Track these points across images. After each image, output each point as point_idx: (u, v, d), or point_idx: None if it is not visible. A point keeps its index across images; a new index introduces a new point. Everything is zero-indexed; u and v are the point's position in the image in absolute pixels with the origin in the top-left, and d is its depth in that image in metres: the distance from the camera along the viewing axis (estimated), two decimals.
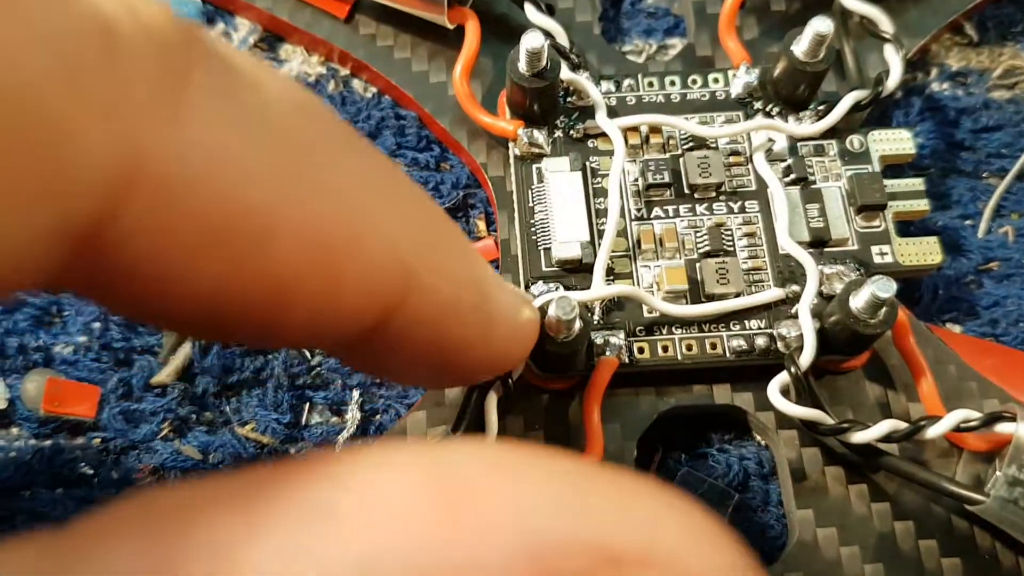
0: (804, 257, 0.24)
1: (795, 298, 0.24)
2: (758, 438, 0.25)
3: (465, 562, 0.09)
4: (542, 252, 0.25)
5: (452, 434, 0.22)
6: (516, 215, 0.25)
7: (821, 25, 0.24)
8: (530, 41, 0.24)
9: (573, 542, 0.09)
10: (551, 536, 0.09)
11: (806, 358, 0.23)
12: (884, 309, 0.22)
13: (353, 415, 0.25)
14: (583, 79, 0.26)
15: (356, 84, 0.29)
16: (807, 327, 0.23)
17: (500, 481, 0.10)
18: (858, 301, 0.22)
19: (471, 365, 0.18)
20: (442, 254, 0.16)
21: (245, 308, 0.13)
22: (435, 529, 0.09)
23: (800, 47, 0.25)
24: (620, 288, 0.24)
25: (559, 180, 0.25)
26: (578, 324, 0.22)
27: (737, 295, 0.24)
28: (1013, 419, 0.22)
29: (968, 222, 0.28)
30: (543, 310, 0.21)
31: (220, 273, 0.12)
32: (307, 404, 0.25)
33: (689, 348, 0.24)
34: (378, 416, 0.25)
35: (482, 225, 0.27)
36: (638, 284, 0.24)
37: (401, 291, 0.14)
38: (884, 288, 0.21)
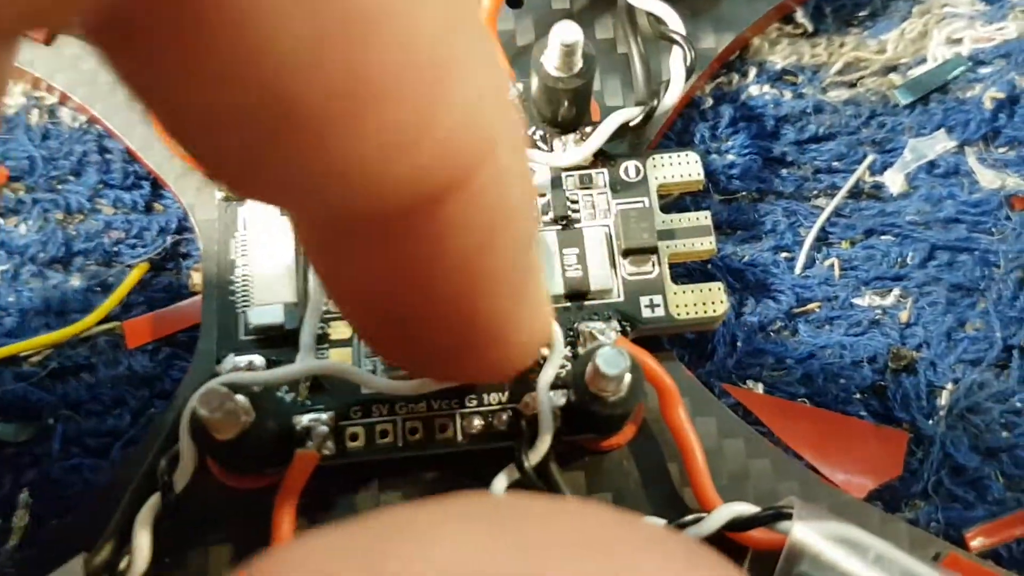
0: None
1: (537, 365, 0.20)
2: None
3: None
4: (240, 316, 0.20)
5: (88, 556, 0.18)
6: (216, 268, 0.21)
7: (566, 33, 0.20)
8: None
9: None
10: None
11: (539, 450, 0.18)
12: (625, 383, 0.17)
13: (19, 522, 0.20)
14: None
15: (64, 113, 0.24)
16: (545, 411, 0.18)
17: None
18: (591, 376, 0.17)
19: (490, 330, 0.15)
20: (519, 141, 0.13)
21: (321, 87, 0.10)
22: None
23: (549, 60, 0.20)
24: (315, 364, 0.19)
25: (265, 227, 0.21)
26: (243, 419, 0.17)
27: None
28: (791, 516, 0.17)
29: (784, 255, 0.23)
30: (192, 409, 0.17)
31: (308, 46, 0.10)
32: None
33: (413, 432, 0.19)
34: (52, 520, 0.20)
35: (197, 278, 0.23)
36: (359, 354, 0.20)
37: (476, 160, 0.12)
38: (612, 362, 0.17)
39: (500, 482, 0.18)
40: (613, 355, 0.17)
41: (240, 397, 0.17)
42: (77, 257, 0.23)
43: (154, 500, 0.18)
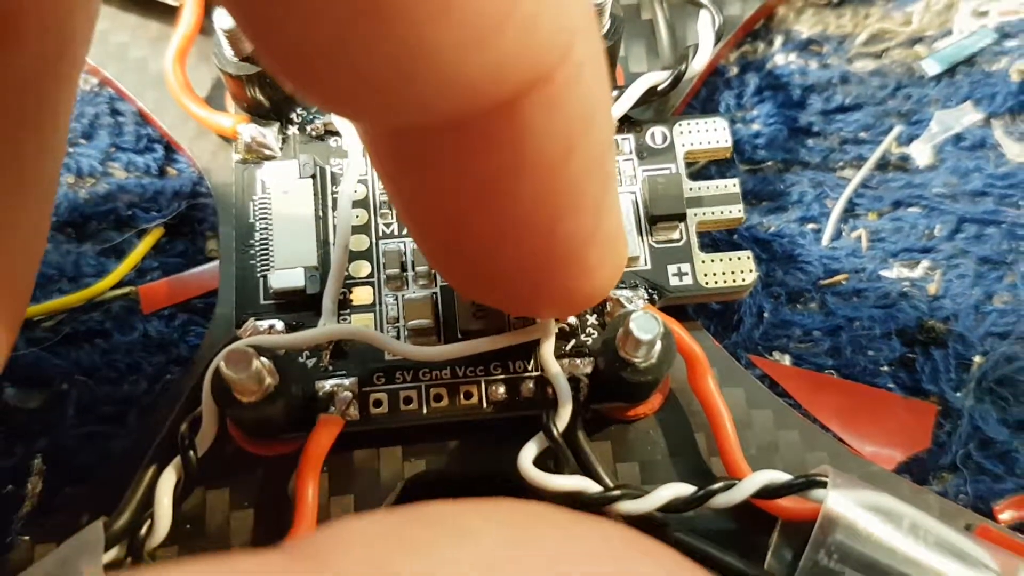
0: None
1: (572, 331, 0.19)
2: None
3: None
4: (260, 280, 0.20)
5: (108, 520, 0.17)
6: (233, 232, 0.20)
7: None
8: (224, 18, 0.19)
9: None
10: None
11: (563, 418, 0.18)
12: (656, 349, 0.17)
13: (34, 488, 0.20)
14: None
15: None
16: (557, 379, 0.18)
17: None
18: (619, 340, 0.17)
19: (570, 252, 0.14)
20: (596, 37, 0.13)
21: None
22: None
23: None
24: (338, 328, 0.19)
25: (284, 189, 0.20)
26: (268, 381, 0.17)
27: (498, 331, 0.19)
28: (825, 484, 0.17)
29: (811, 226, 0.23)
30: (217, 368, 0.17)
31: None
32: None
33: (438, 399, 0.19)
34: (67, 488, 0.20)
35: (213, 245, 0.22)
36: (382, 318, 0.20)
37: (557, 53, 0.11)
38: (645, 327, 0.16)
39: (529, 451, 0.18)
40: (646, 320, 0.17)
41: (264, 359, 0.17)
42: (90, 221, 0.22)
43: (175, 464, 0.17)
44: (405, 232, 0.20)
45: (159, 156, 0.23)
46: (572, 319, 0.19)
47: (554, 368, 0.18)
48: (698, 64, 0.21)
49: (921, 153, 0.24)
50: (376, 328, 0.19)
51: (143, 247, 0.21)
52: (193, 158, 0.22)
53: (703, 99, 0.24)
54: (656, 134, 0.21)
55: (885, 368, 0.21)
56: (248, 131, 0.21)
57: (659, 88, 0.21)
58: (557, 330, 0.19)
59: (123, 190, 0.22)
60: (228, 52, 0.20)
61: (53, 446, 0.20)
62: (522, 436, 0.19)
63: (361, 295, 0.20)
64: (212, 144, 0.22)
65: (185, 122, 0.22)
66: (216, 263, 0.21)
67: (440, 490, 0.19)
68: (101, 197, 0.22)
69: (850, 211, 0.23)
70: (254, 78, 0.20)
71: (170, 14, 0.22)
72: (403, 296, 0.20)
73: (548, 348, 0.18)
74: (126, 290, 0.21)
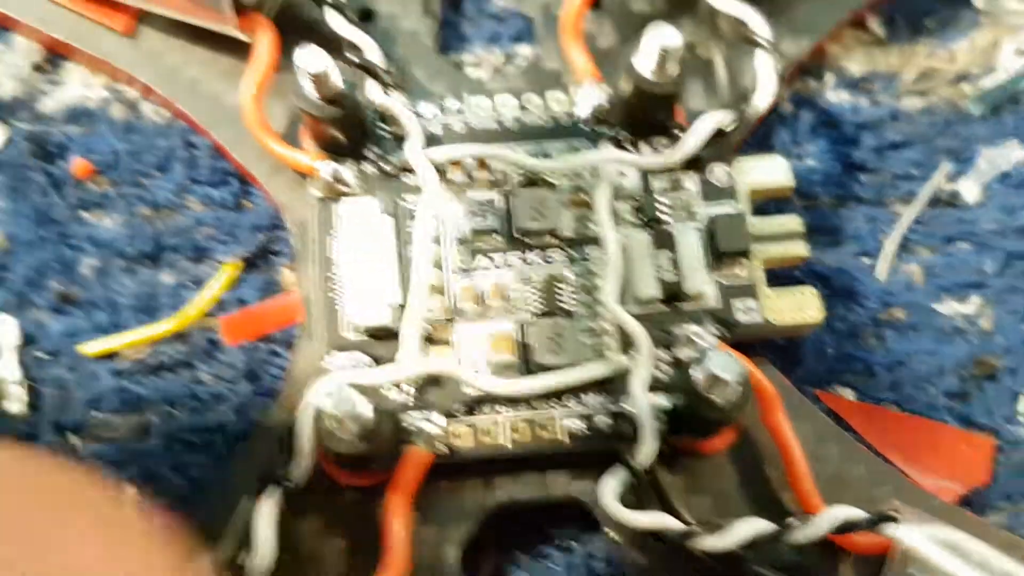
0: (632, 326, 0.20)
1: None
2: (607, 531, 0.21)
3: None
4: (342, 315, 0.20)
5: (215, 547, 0.18)
6: (315, 267, 0.21)
7: (667, 37, 0.20)
8: (308, 61, 0.19)
9: None
10: None
11: (645, 453, 0.19)
12: (732, 388, 0.18)
13: None
14: (395, 102, 0.22)
15: (146, 108, 0.24)
16: (644, 414, 0.19)
17: None
18: (700, 379, 0.18)
19: None
20: None
21: None
22: None
23: (645, 63, 0.20)
24: (425, 364, 0.19)
25: (364, 226, 0.21)
26: (369, 416, 0.17)
27: (572, 365, 0.20)
28: (896, 519, 0.18)
29: (866, 260, 0.24)
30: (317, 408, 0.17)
31: None
32: None
33: (518, 431, 0.20)
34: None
35: (289, 276, 0.23)
36: (459, 352, 0.20)
37: None
38: (725, 367, 0.17)
39: (611, 485, 0.19)
40: (728, 361, 0.17)
41: (359, 396, 0.17)
42: (167, 252, 0.23)
43: (275, 496, 0.18)
44: (478, 266, 0.21)
45: (235, 189, 0.23)
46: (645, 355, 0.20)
47: (644, 402, 0.19)
48: (762, 104, 0.22)
49: (970, 190, 0.24)
50: (456, 362, 0.20)
51: (225, 280, 0.22)
52: (269, 192, 0.22)
53: (759, 136, 0.24)
54: (718, 172, 0.22)
55: (943, 402, 0.22)
56: (327, 169, 0.21)
57: (726, 129, 0.21)
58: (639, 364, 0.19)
59: (200, 223, 0.23)
60: (313, 94, 0.20)
61: (143, 474, 0.20)
62: (597, 465, 0.19)
63: (439, 330, 0.20)
64: (288, 179, 0.22)
65: (260, 157, 0.22)
66: (293, 295, 0.22)
67: (520, 519, 0.20)
68: (179, 229, 0.23)
69: (904, 246, 0.24)
70: (336, 120, 0.21)
71: (241, 50, 0.23)
72: (480, 330, 0.20)
73: (639, 381, 0.19)
74: (206, 321, 0.22)
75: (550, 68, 0.24)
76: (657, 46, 0.20)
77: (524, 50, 0.25)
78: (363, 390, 0.18)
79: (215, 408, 0.21)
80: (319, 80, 0.20)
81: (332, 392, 0.17)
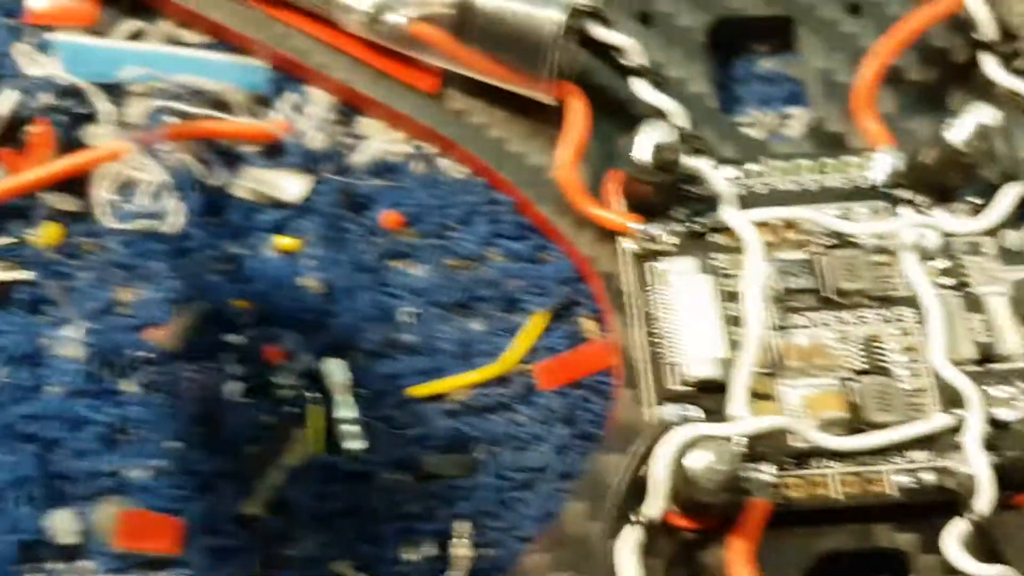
0: (964, 384, 0.21)
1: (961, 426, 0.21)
2: None
3: None
4: (668, 368, 0.22)
5: None
6: (634, 321, 0.22)
7: (986, 115, 0.21)
8: (659, 135, 0.21)
9: None
10: None
11: (984, 502, 0.20)
12: None
13: (459, 551, 0.22)
14: (704, 165, 0.23)
15: (445, 164, 0.26)
16: (981, 466, 0.20)
17: None
18: None
19: None
20: None
21: None
22: None
23: (959, 136, 0.22)
24: (777, 420, 0.20)
25: (686, 284, 0.22)
26: (726, 470, 0.19)
27: (901, 422, 0.21)
28: None
29: None
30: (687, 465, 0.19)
31: None
32: (408, 537, 0.22)
33: (847, 484, 0.21)
34: (490, 551, 0.22)
35: (590, 325, 0.24)
36: (781, 408, 0.21)
37: None
38: None
39: (954, 535, 0.20)
40: None
41: (731, 449, 0.19)
42: (479, 302, 0.24)
43: (636, 534, 0.19)
44: (795, 324, 0.22)
45: (533, 243, 0.25)
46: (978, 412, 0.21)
47: (981, 457, 0.20)
48: None
49: None
50: (787, 417, 0.21)
51: (537, 329, 0.23)
52: (575, 247, 0.24)
53: None
54: (1011, 236, 0.23)
55: None
56: (641, 228, 0.23)
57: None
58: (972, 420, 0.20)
59: (507, 274, 0.24)
60: (648, 161, 0.22)
61: (474, 511, 0.22)
62: (917, 519, 0.21)
63: (760, 384, 0.22)
64: (592, 234, 0.24)
65: (564, 212, 0.24)
66: (598, 343, 0.23)
67: (844, 567, 0.21)
68: (487, 281, 0.24)
69: None
70: (662, 185, 0.22)
71: (540, 110, 0.24)
72: (803, 385, 0.21)
73: (973, 437, 0.20)
74: (522, 367, 0.23)
75: (831, 131, 0.25)
76: (975, 122, 0.21)
77: (793, 110, 0.27)
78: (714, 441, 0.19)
79: (535, 448, 0.23)
80: (660, 149, 0.21)
81: (710, 446, 0.18)
